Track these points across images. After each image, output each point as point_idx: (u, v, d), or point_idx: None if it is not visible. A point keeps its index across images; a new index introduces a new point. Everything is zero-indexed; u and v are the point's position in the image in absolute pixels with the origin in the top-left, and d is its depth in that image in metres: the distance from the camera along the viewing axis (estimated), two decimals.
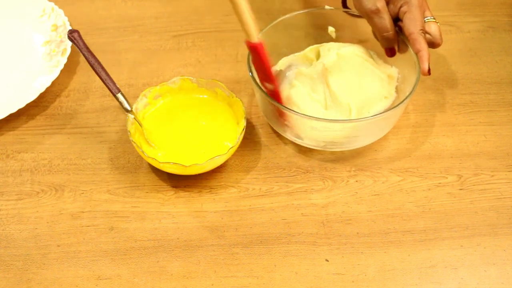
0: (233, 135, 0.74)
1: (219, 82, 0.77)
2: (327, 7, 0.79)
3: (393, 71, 0.78)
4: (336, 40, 0.82)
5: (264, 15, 0.94)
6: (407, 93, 0.71)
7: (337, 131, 0.72)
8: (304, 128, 0.72)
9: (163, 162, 0.69)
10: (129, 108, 0.73)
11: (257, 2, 0.96)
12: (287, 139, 0.76)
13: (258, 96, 0.75)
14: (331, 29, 0.82)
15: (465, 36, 0.91)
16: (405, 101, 0.70)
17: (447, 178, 0.73)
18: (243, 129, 0.72)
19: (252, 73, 0.73)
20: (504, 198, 0.71)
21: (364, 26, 0.77)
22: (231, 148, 0.71)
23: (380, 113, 0.72)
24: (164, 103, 0.78)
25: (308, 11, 0.81)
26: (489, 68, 0.86)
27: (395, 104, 0.74)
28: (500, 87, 0.83)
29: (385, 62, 0.80)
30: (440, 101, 0.82)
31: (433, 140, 0.77)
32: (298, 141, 0.75)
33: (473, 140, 0.77)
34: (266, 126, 0.79)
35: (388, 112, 0.71)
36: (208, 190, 0.73)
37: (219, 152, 0.70)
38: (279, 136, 0.78)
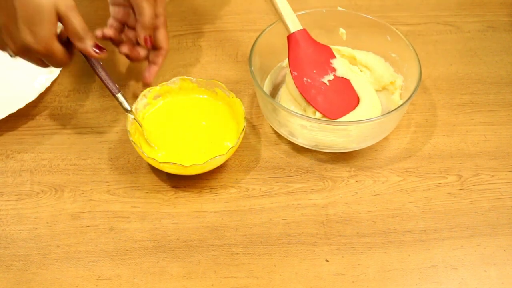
0: (233, 135, 0.74)
1: (219, 82, 0.77)
2: (339, 8, 0.79)
3: (399, 78, 0.78)
4: (346, 42, 0.82)
5: (264, 15, 0.94)
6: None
7: (325, 132, 0.72)
8: (295, 126, 0.72)
9: (163, 162, 0.69)
10: (129, 108, 0.73)
11: (260, 2, 0.96)
12: (287, 139, 0.76)
13: (259, 95, 0.75)
14: (341, 31, 0.82)
15: (465, 36, 0.91)
16: (398, 109, 0.70)
17: (447, 178, 0.73)
18: (243, 129, 0.72)
19: (252, 71, 0.73)
20: (504, 198, 0.71)
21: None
22: (231, 148, 0.71)
23: (373, 119, 0.71)
24: (164, 103, 0.78)
25: (317, 10, 0.81)
26: (489, 68, 0.86)
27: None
28: (500, 87, 0.83)
29: (394, 70, 0.80)
30: (440, 101, 0.82)
31: (433, 140, 0.77)
32: (293, 139, 0.75)
33: (473, 140, 0.77)
34: (266, 126, 0.79)
35: (378, 118, 0.71)
36: (208, 190, 0.73)
37: (219, 152, 0.70)
38: (279, 136, 0.77)
